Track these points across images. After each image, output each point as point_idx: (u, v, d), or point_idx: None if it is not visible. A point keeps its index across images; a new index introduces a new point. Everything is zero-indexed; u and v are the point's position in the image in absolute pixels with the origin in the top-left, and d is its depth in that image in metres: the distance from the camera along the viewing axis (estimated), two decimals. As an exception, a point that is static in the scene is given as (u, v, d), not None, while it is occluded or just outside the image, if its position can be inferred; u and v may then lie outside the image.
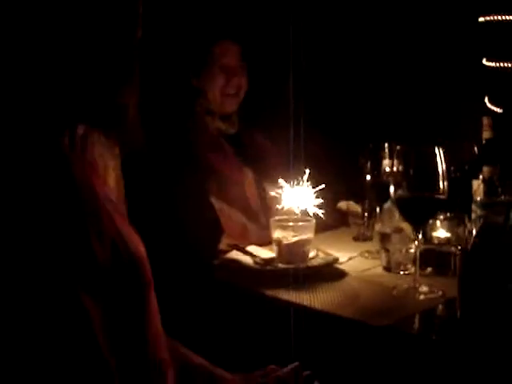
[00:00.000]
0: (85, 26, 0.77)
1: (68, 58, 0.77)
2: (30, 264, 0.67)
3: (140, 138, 0.89)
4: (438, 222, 1.56)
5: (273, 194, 1.50)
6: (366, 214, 1.73)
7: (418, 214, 1.29)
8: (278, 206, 1.47)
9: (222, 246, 1.58)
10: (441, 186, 1.26)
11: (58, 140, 0.78)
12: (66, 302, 0.68)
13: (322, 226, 1.57)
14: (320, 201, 1.48)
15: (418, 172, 1.28)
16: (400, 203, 1.30)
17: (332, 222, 1.80)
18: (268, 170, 1.82)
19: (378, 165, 1.65)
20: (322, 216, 1.47)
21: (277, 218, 1.44)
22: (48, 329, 0.67)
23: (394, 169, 1.31)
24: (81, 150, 0.86)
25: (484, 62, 2.33)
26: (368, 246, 1.62)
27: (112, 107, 0.82)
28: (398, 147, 1.31)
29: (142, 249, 0.88)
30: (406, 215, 1.31)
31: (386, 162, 1.62)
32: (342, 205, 1.87)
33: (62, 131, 0.81)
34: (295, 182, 1.49)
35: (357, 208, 1.83)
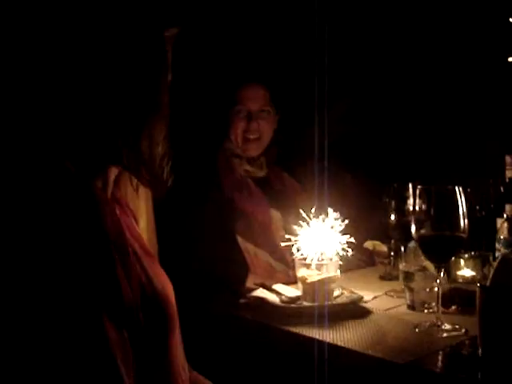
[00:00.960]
0: (117, 73, 0.82)
1: (101, 102, 0.82)
2: (59, 297, 0.70)
3: (168, 180, 0.92)
4: (463, 261, 1.58)
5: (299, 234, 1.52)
6: (392, 254, 1.75)
7: (439, 253, 1.31)
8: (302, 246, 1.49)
9: (249, 284, 1.61)
10: (461, 224, 1.27)
11: (90, 183, 0.83)
12: (90, 329, 0.70)
13: (348, 266, 1.59)
14: (347, 240, 1.50)
15: (439, 211, 1.30)
16: (421, 242, 1.32)
17: (358, 262, 1.82)
18: (295, 210, 1.84)
19: (402, 204, 1.68)
20: (348, 256, 1.49)
21: (301, 256, 1.47)
22: (70, 356, 0.69)
23: (417, 208, 1.34)
24: (112, 193, 0.92)
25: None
26: (394, 284, 1.63)
27: (142, 147, 0.85)
28: (419, 187, 1.34)
29: (168, 289, 0.91)
30: (428, 254, 1.33)
31: (410, 201, 1.65)
32: (369, 244, 1.89)
33: (96, 174, 0.87)
34: (322, 222, 1.52)
35: (383, 247, 1.85)
